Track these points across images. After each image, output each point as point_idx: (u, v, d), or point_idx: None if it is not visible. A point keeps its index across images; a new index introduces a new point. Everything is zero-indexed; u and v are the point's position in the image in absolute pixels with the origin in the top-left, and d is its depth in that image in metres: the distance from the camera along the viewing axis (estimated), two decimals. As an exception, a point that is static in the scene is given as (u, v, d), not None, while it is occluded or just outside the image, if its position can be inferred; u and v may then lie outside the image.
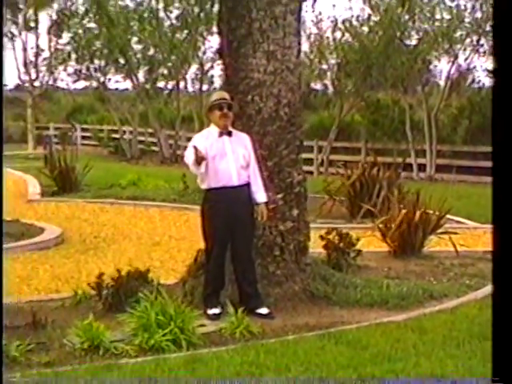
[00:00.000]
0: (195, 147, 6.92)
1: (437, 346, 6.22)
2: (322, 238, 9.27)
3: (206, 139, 7.19)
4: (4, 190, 18.30)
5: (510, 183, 4.29)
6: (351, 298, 7.81)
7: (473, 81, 23.59)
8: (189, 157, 7.04)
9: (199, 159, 6.91)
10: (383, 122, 24.08)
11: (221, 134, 7.19)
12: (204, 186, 7.25)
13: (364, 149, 23.84)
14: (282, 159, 7.87)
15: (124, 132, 31.02)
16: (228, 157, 7.14)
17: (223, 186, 7.12)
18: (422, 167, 22.73)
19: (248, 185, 7.25)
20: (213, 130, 7.27)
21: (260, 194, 7.33)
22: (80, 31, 29.46)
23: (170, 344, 6.24)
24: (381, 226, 10.37)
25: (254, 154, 7.36)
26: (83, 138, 35.50)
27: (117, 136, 31.54)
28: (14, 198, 16.65)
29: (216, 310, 7.22)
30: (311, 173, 23.30)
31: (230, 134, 7.24)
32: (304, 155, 24.10)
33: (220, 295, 7.36)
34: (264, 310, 7.28)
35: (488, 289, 8.25)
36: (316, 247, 9.11)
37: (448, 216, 11.78)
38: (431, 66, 23.04)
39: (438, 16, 21.80)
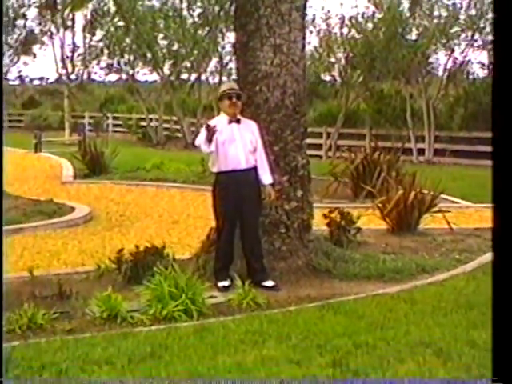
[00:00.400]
0: (208, 124, 6.83)
1: (426, 316, 6.12)
2: (325, 216, 9.17)
3: (217, 127, 7.08)
4: (41, 172, 18.44)
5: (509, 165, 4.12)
6: (350, 271, 7.71)
7: (468, 72, 23.31)
8: (199, 137, 6.97)
9: (211, 134, 6.78)
10: (386, 111, 23.89)
11: (230, 122, 7.11)
12: (215, 170, 7.17)
13: (368, 135, 23.64)
14: (287, 144, 7.77)
15: (151, 120, 30.89)
16: (237, 142, 7.06)
17: (232, 169, 7.03)
18: (421, 151, 22.55)
19: (255, 168, 7.16)
20: (222, 117, 7.19)
21: (266, 176, 7.24)
22: (112, 29, 29.39)
23: (181, 314, 6.17)
24: (380, 205, 10.23)
25: (261, 140, 7.26)
26: (114, 125, 35.42)
27: (144, 124, 31.44)
28: (50, 180, 16.69)
29: (225, 283, 7.15)
30: (320, 157, 23.20)
31: (238, 121, 7.15)
32: (313, 141, 24.22)
33: (229, 269, 7.29)
34: (270, 283, 7.19)
35: (476, 262, 8.16)
36: (321, 225, 9.02)
37: (443, 196, 11.66)
38: (430, 59, 22.73)
39: (435, 13, 21.59)
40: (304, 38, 7.96)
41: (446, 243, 9.30)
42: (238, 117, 7.18)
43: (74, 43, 32.19)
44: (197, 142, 7.05)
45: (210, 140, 6.83)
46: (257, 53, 7.73)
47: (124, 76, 31.22)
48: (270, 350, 5.32)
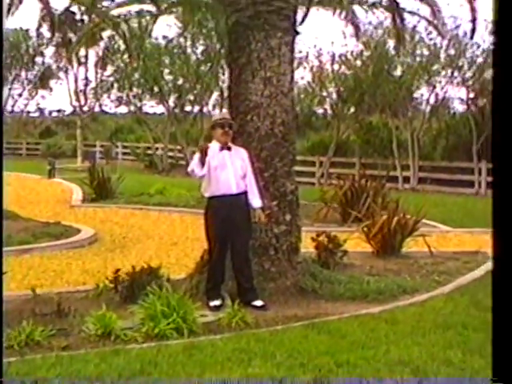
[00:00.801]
0: (201, 145, 6.72)
1: (405, 335, 5.90)
2: (313, 239, 8.96)
3: (210, 154, 6.91)
4: (52, 196, 18.24)
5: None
6: (336, 292, 7.48)
7: (449, 107, 23.22)
8: (192, 163, 6.88)
9: (204, 153, 6.69)
10: (374, 141, 23.75)
11: (221, 149, 6.93)
12: (207, 194, 6.98)
13: (358, 163, 23.52)
14: (276, 171, 7.60)
15: (157, 149, 30.72)
16: (228, 168, 6.87)
17: (224, 193, 6.84)
18: (406, 179, 22.39)
19: (245, 193, 6.97)
20: (214, 145, 7.00)
21: (256, 201, 7.05)
22: (121, 65, 29.36)
23: (173, 332, 5.95)
24: (365, 229, 10.02)
25: (251, 166, 7.07)
26: (124, 153, 35.23)
27: (151, 152, 31.29)
28: (60, 204, 16.51)
29: (217, 302, 6.93)
30: (313, 184, 22.99)
31: (229, 148, 6.98)
32: (307, 169, 24.01)
33: (221, 289, 7.07)
34: (259, 303, 6.97)
35: (453, 284, 7.95)
36: (310, 247, 8.82)
37: (425, 221, 11.43)
38: (414, 94, 22.61)
39: (418, 52, 21.49)
40: (293, 71, 7.79)
41: (427, 266, 9.07)
42: (229, 144, 7.01)
43: (86, 78, 32.17)
44: (189, 168, 6.89)
45: (203, 162, 6.68)
46: (248, 84, 7.58)
47: (132, 108, 31.11)
48: (255, 368, 5.10)
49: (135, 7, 10.67)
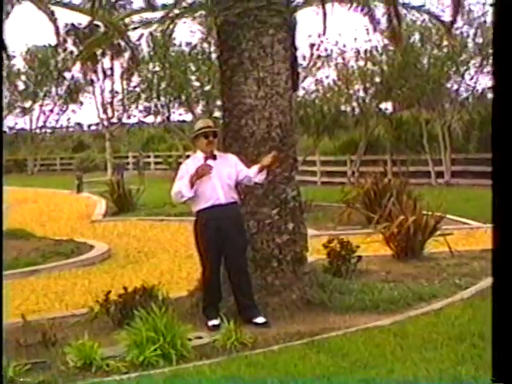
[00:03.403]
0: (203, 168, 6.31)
1: (414, 351, 5.33)
2: (324, 246, 8.45)
3: (195, 164, 6.46)
4: (75, 211, 17.99)
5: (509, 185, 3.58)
6: (345, 303, 6.93)
7: (479, 97, 22.42)
8: (177, 185, 6.44)
9: (198, 176, 6.26)
10: (405, 137, 23.11)
11: (206, 159, 6.45)
12: (195, 208, 6.50)
13: (390, 160, 22.91)
14: (275, 177, 7.09)
15: (187, 157, 30.50)
16: (213, 178, 6.38)
17: (212, 204, 6.36)
18: (440, 174, 21.71)
19: (236, 203, 6.48)
20: (199, 155, 6.56)
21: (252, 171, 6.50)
22: (148, 75, 29.12)
23: (159, 359, 5.46)
24: (383, 230, 9.45)
25: (242, 164, 6.56)
26: (156, 163, 35.15)
27: (182, 161, 31.08)
28: (80, 219, 16.25)
29: (215, 322, 6.43)
30: (344, 183, 22.42)
31: (214, 157, 6.49)
32: (338, 168, 23.49)
33: (219, 307, 6.59)
34: (260, 320, 6.45)
35: (475, 287, 7.33)
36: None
37: (454, 217, 10.86)
38: (443, 86, 21.90)
39: (445, 43, 20.79)
40: (288, 70, 7.27)
41: (449, 268, 8.48)
42: (215, 152, 6.52)
43: (113, 89, 32.01)
44: (176, 189, 6.43)
45: (192, 184, 6.28)
46: (241, 86, 7.12)
47: (162, 117, 30.93)
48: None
49: (147, 15, 10.41)
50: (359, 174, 22.75)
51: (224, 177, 6.40)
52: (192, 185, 6.31)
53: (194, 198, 6.43)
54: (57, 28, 12.80)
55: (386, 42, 21.84)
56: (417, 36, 21.61)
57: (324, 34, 8.30)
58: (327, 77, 22.94)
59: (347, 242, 8.40)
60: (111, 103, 32.27)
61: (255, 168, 6.48)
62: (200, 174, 6.29)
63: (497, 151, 3.64)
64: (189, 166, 6.50)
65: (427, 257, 9.23)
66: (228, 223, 6.38)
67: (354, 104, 23.57)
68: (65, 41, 30.63)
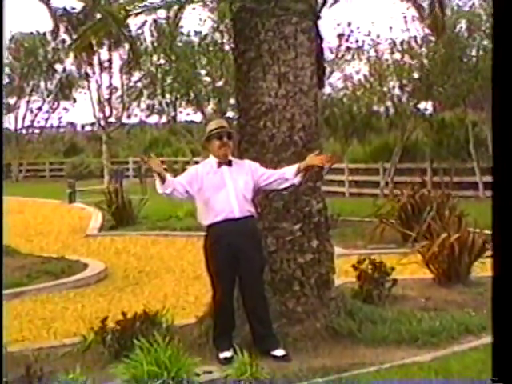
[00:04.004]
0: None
1: (459, 394, 5.31)
2: (354, 267, 8.45)
3: (204, 170, 6.51)
4: (67, 224, 18.08)
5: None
6: (378, 334, 6.91)
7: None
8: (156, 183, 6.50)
9: (152, 167, 6.35)
10: (448, 142, 23.03)
11: (220, 165, 6.48)
12: (205, 222, 6.52)
13: (430, 169, 22.87)
14: (298, 187, 7.08)
15: (196, 163, 30.61)
16: (228, 187, 6.41)
17: (224, 218, 6.37)
18: (490, 185, 21.63)
19: (252, 217, 6.48)
20: (212, 160, 6.58)
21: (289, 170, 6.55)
22: (151, 68, 29.31)
23: (162, 396, 5.48)
24: (421, 250, 9.43)
25: (264, 168, 6.64)
26: (160, 170, 35.24)
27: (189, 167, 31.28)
28: (73, 234, 16.34)
29: (227, 354, 6.44)
30: (376, 195, 22.41)
31: (230, 163, 6.50)
32: (369, 178, 23.45)
33: (231, 336, 6.59)
34: (279, 352, 6.46)
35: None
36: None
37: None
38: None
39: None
40: (313, 64, 7.30)
41: (500, 294, 8.42)
42: (230, 158, 6.54)
43: (111, 85, 32.22)
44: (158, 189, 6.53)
45: (161, 176, 6.36)
46: (259, 83, 7.16)
47: (167, 117, 31.09)
48: None
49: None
50: (394, 185, 22.70)
51: (240, 186, 6.42)
52: (163, 180, 6.37)
53: (204, 208, 6.46)
54: (50, 9, 12.90)
55: (427, 31, 21.90)
56: (463, 24, 21.55)
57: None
58: (358, 72, 23.03)
59: (380, 263, 8.39)
60: (109, 100, 32.43)
61: (293, 168, 6.51)
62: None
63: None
64: (199, 171, 6.53)
65: (474, 281, 9.17)
66: (243, 240, 6.39)
67: (389, 103, 23.60)
68: (56, 28, 30.81)
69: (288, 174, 6.50)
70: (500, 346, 3.98)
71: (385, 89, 23.07)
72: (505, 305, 3.96)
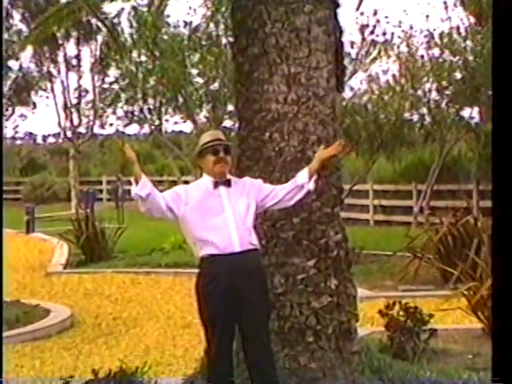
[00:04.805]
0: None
1: None
2: (381, 313, 8.51)
3: (196, 191, 6.57)
4: (25, 260, 18.16)
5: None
6: (412, 399, 7.01)
7: None
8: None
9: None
10: (499, 158, 23.14)
11: (216, 185, 6.51)
12: (199, 253, 6.55)
13: (476, 191, 22.95)
14: (312, 214, 7.22)
15: (186, 182, 30.74)
16: (226, 213, 6.44)
17: (221, 253, 6.41)
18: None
19: (256, 250, 6.53)
20: (205, 180, 6.60)
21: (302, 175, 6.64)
22: (130, 67, 29.44)
23: None
24: (468, 294, 9.49)
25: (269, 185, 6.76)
26: (140, 192, 35.44)
27: (177, 189, 31.44)
28: (31, 271, 16.47)
29: (223, 422, 6.49)
30: (409, 223, 22.49)
31: (228, 183, 6.55)
32: (399, 202, 23.52)
33: (229, 399, 6.64)
34: (288, 419, 6.51)
35: None
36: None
37: None
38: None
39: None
40: (331, 63, 7.41)
41: None
42: (228, 177, 6.60)
43: (79, 87, 32.46)
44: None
45: (137, 181, 6.38)
46: (264, 86, 7.28)
47: (149, 127, 31.27)
48: None
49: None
50: (431, 211, 22.80)
51: (241, 212, 6.45)
52: (136, 182, 6.40)
53: (195, 238, 6.51)
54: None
55: (472, 20, 22.10)
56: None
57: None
58: (385, 71, 23.08)
59: (414, 309, 8.47)
60: (77, 106, 32.64)
61: (304, 172, 6.62)
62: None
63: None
64: (189, 192, 6.58)
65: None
66: (244, 279, 6.42)
67: (424, 110, 23.71)
68: (8, 15, 31.02)
69: (301, 180, 6.61)
70: (500, 346, 4.53)
71: (419, 92, 23.17)
72: (505, 305, 4.43)
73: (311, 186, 6.65)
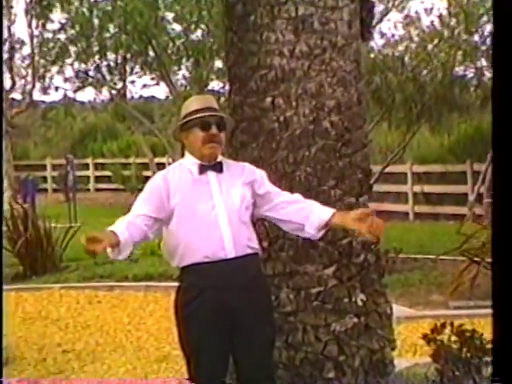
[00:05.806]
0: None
1: None
2: (427, 339, 8.55)
3: (177, 178, 6.55)
4: None
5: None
6: None
7: None
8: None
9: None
10: None
11: (202, 170, 6.53)
12: (177, 263, 6.60)
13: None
14: (330, 205, 7.17)
15: (159, 166, 30.65)
16: (217, 208, 6.45)
17: (209, 259, 6.44)
18: None
19: (255, 255, 6.57)
20: (189, 163, 6.59)
21: (320, 212, 6.57)
22: (83, 9, 29.39)
23: None
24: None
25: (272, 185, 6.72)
26: (98, 178, 35.59)
27: (149, 174, 31.36)
28: (-47, 289, 16.47)
29: None
30: (462, 217, 22.52)
31: (219, 167, 6.57)
32: (448, 188, 23.75)
33: None
34: None
35: None
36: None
37: None
38: None
39: None
40: (354, 1, 7.55)
41: None
42: (220, 159, 6.61)
43: (11, 36, 32.45)
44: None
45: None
46: (264, 34, 7.37)
47: (108, 92, 31.38)
48: None
49: None
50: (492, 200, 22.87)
51: (235, 204, 6.47)
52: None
53: (176, 241, 6.54)
54: None
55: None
56: None
57: None
58: (429, 10, 23.14)
59: (472, 332, 8.48)
60: (9, 62, 32.65)
61: (317, 219, 6.53)
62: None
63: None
64: (170, 182, 6.52)
65: None
66: (240, 295, 6.46)
67: (483, 62, 23.77)
68: None
69: (309, 227, 6.53)
70: (500, 346, 5.42)
71: (476, 38, 23.21)
72: (505, 305, 5.13)
73: (318, 235, 6.60)
